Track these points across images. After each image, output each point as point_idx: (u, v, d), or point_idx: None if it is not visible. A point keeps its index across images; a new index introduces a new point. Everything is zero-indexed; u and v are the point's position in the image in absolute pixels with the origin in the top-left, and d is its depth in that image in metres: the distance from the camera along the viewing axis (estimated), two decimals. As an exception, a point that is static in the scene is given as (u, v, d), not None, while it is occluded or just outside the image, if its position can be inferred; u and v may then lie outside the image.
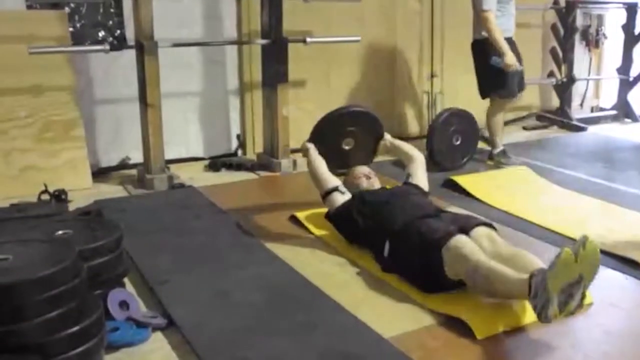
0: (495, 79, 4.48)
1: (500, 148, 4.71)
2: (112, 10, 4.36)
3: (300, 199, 3.70)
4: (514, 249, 2.52)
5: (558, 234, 3.21)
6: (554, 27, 6.20)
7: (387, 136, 3.57)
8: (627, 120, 6.40)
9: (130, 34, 4.27)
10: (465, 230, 2.57)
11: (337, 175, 3.33)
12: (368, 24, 5.28)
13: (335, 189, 3.15)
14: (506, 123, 4.87)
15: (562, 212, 3.57)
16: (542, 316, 2.07)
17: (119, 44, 4.26)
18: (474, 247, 2.43)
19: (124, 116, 4.45)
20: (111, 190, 4.10)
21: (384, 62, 5.48)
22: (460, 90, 5.53)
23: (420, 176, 3.34)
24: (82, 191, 4.00)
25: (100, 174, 4.39)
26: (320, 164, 3.28)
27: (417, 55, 5.63)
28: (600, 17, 6.55)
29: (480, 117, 4.73)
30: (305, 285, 2.65)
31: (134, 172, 4.35)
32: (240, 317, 2.38)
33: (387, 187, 3.37)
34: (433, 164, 4.33)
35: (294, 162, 4.56)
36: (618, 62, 6.40)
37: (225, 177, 4.45)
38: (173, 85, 4.45)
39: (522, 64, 4.52)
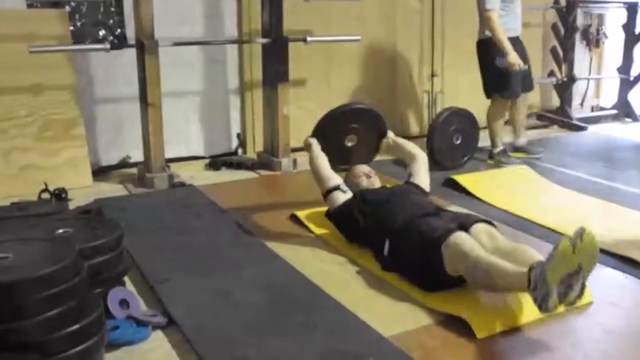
0: (498, 79, 4.48)
1: (500, 147, 4.71)
2: (112, 9, 4.36)
3: (301, 198, 3.70)
4: (513, 244, 2.52)
5: (558, 233, 3.20)
6: (554, 27, 6.20)
7: (390, 134, 3.56)
8: (627, 119, 6.40)
9: (130, 32, 4.28)
10: (465, 227, 2.57)
11: (339, 171, 3.33)
12: (368, 23, 5.28)
13: (337, 188, 3.15)
14: (507, 122, 4.87)
15: (563, 211, 3.57)
16: (543, 307, 2.07)
17: (120, 42, 4.26)
18: (474, 243, 2.43)
19: (125, 115, 4.45)
20: (111, 189, 4.10)
21: (384, 62, 5.48)
22: (461, 89, 5.54)
23: (423, 176, 3.33)
24: (83, 190, 4.01)
25: (100, 172, 4.39)
26: (323, 161, 3.27)
27: (417, 55, 5.63)
28: (600, 17, 6.56)
29: (480, 117, 4.73)
30: (305, 284, 2.65)
31: (134, 170, 4.35)
32: (240, 316, 2.38)
33: (388, 186, 3.37)
34: (433, 163, 4.31)
35: (294, 161, 4.56)
36: (618, 61, 6.40)
37: (226, 176, 4.45)
38: (173, 84, 4.46)
39: (529, 64, 4.51)
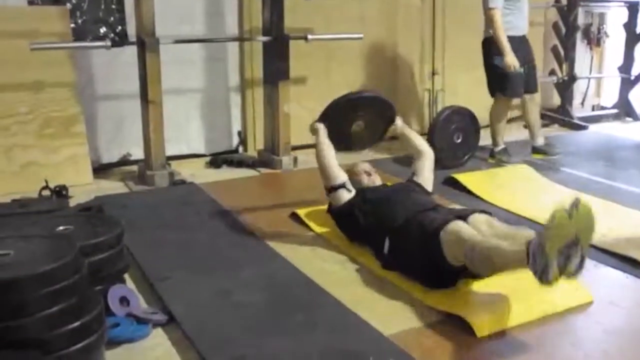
0: (499, 78, 4.48)
1: (501, 146, 4.71)
2: (113, 6, 4.36)
3: (301, 196, 3.70)
4: (513, 228, 2.51)
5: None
6: (555, 26, 6.19)
7: (399, 121, 3.48)
8: (628, 118, 6.40)
9: (131, 30, 4.27)
10: (463, 217, 2.57)
11: (340, 151, 3.28)
12: (369, 21, 5.28)
13: (342, 186, 3.11)
14: (507, 121, 4.86)
15: (563, 210, 3.56)
16: (543, 279, 2.03)
17: (121, 40, 4.26)
18: (472, 230, 2.43)
19: (125, 112, 4.45)
20: (112, 187, 4.10)
21: (385, 60, 5.48)
22: (462, 87, 5.53)
23: (427, 176, 3.31)
24: (83, 187, 4.01)
25: (101, 170, 4.39)
26: (330, 152, 3.19)
27: (418, 53, 5.63)
28: (601, 16, 6.55)
29: (481, 115, 4.73)
30: (305, 283, 2.65)
31: (134, 168, 4.35)
32: (240, 314, 2.38)
33: (388, 184, 3.37)
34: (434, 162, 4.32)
35: (295, 159, 4.56)
36: (619, 60, 6.41)
37: (226, 173, 4.45)
38: (174, 81, 4.45)
39: (534, 64, 4.49)
